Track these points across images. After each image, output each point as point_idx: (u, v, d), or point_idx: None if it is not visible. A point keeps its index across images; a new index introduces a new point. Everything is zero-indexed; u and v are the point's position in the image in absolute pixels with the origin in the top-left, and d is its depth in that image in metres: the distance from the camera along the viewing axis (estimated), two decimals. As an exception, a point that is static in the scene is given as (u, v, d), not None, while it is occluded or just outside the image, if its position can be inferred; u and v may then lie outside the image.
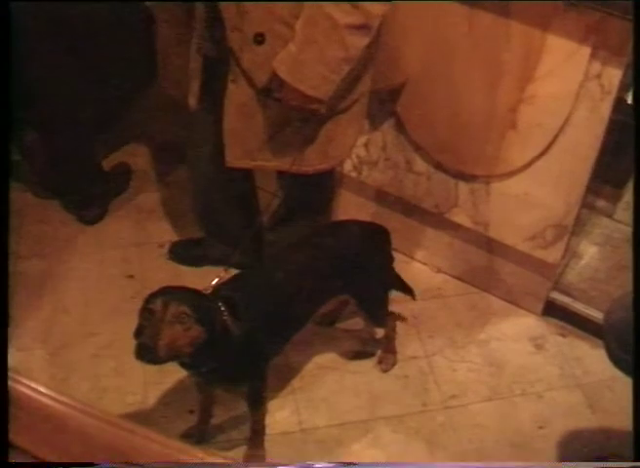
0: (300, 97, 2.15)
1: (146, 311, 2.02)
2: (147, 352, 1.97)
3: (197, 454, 0.75)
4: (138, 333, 2.07)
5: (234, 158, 2.38)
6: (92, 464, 0.74)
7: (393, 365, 2.83)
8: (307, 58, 2.08)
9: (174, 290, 2.12)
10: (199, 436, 2.59)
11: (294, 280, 2.40)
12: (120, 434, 0.75)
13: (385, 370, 2.81)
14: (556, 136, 2.56)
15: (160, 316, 1.98)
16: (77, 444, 0.75)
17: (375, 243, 2.61)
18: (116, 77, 3.06)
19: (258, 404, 2.47)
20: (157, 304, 2.00)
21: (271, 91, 2.20)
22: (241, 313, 2.18)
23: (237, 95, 2.26)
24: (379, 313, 2.72)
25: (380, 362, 2.83)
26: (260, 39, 2.13)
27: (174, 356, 2.05)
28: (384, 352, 2.84)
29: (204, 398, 2.57)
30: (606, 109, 2.45)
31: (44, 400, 0.76)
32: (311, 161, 2.38)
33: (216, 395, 2.57)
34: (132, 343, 2.80)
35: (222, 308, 2.15)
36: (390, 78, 2.61)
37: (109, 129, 3.32)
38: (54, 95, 2.93)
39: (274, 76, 2.16)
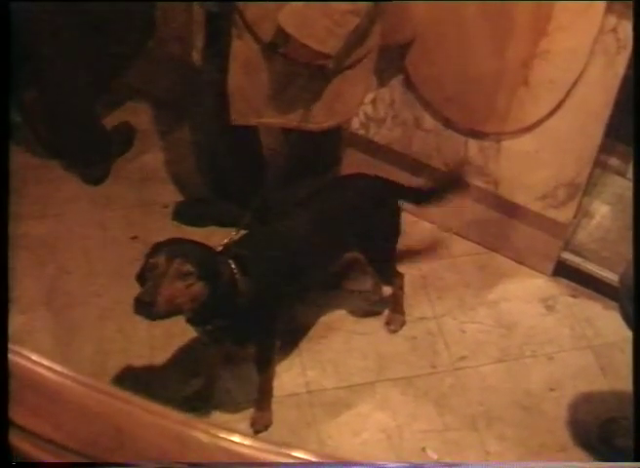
0: (307, 51, 2.09)
1: (149, 263, 1.99)
2: (146, 307, 1.95)
3: (197, 425, 0.71)
4: (139, 280, 2.06)
5: (239, 115, 2.33)
6: (92, 464, 0.72)
7: (402, 325, 2.79)
8: (313, 11, 2.02)
9: (181, 243, 2.09)
10: (205, 398, 2.57)
11: (304, 237, 2.37)
12: (115, 404, 0.71)
13: (394, 331, 2.78)
14: (569, 93, 2.51)
15: (162, 271, 1.96)
16: (69, 414, 0.71)
17: (382, 197, 2.56)
18: (114, 33, 2.99)
19: (266, 365, 2.45)
20: (161, 258, 1.97)
21: (277, 46, 2.14)
22: (251, 271, 2.14)
23: (242, 50, 2.20)
24: (388, 269, 2.70)
25: (388, 323, 2.80)
26: None
27: (173, 312, 2.02)
28: (393, 312, 2.81)
29: (210, 358, 2.54)
30: (621, 64, 2.39)
31: (34, 368, 0.72)
32: (318, 118, 2.33)
33: (222, 356, 2.55)
34: (136, 305, 2.82)
35: (232, 265, 2.11)
36: (399, 34, 2.54)
37: (108, 86, 3.25)
38: (52, 52, 2.87)
39: (280, 31, 2.09)
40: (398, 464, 1.73)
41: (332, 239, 2.42)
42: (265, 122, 2.37)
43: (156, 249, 2.02)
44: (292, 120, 2.32)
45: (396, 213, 2.61)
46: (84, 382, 0.72)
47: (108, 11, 2.91)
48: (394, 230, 2.63)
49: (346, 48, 2.15)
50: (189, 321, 2.20)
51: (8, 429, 0.72)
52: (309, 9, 2.03)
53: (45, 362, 0.74)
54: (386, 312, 2.83)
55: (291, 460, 0.75)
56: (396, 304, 2.80)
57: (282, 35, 2.10)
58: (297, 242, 2.36)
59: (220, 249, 2.17)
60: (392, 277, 2.73)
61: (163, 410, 0.72)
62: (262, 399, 2.52)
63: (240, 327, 2.23)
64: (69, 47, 2.88)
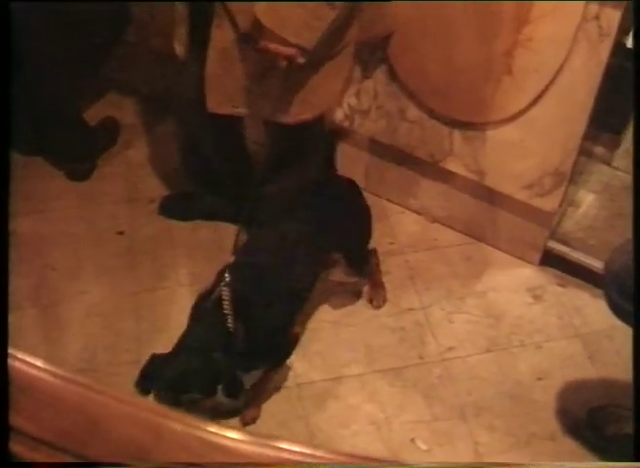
0: (283, 44, 2.07)
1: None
2: None
3: (172, 415, 0.70)
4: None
5: (215, 104, 2.31)
6: (92, 464, 0.71)
7: (385, 300, 2.80)
8: (291, 4, 2.01)
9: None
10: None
11: (295, 243, 2.40)
12: (89, 395, 0.70)
13: (378, 307, 2.78)
14: (552, 81, 2.50)
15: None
16: (42, 405, 0.70)
17: (357, 197, 2.65)
18: (86, 24, 2.96)
19: (278, 367, 2.49)
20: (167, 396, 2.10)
21: (251, 38, 2.13)
22: (248, 309, 2.23)
23: (220, 39, 2.18)
24: (365, 267, 2.73)
25: (370, 300, 2.80)
26: None
27: None
28: (373, 287, 2.81)
29: None
30: (604, 52, 2.38)
31: (8, 360, 0.71)
32: (292, 111, 2.31)
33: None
34: (123, 300, 2.82)
35: (226, 310, 2.19)
36: (378, 27, 2.52)
37: (87, 78, 3.22)
38: (30, 46, 2.84)
39: (256, 23, 2.08)
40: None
41: (319, 244, 2.45)
42: (240, 112, 2.35)
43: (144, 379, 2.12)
44: (266, 112, 2.31)
45: (368, 212, 2.69)
46: (57, 374, 0.71)
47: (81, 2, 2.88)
48: (369, 230, 2.69)
49: (323, 41, 2.13)
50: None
51: (8, 430, 0.72)
52: (287, 1, 2.02)
53: (18, 354, 0.73)
54: (366, 289, 2.84)
55: (276, 452, 0.74)
56: (375, 279, 2.80)
57: (258, 27, 2.08)
58: (289, 249, 2.39)
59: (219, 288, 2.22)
60: (368, 271, 2.76)
61: (137, 401, 0.72)
62: (256, 396, 2.51)
63: (253, 358, 2.29)
64: (47, 41, 2.86)
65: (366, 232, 2.67)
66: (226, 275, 2.22)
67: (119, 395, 0.69)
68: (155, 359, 2.18)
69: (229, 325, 2.17)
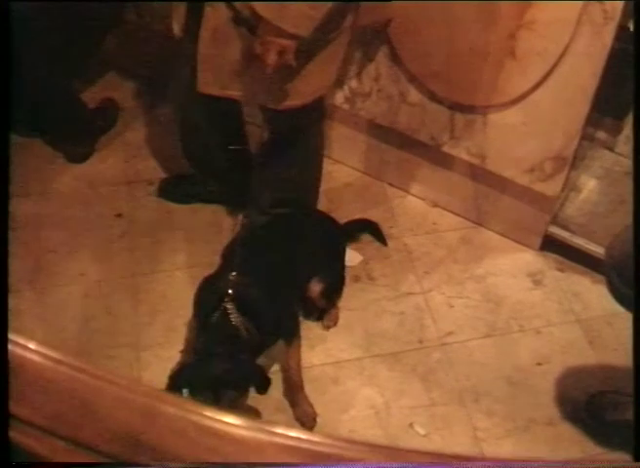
0: (280, 34, 2.03)
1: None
2: None
3: (166, 399, 0.69)
4: None
5: (205, 84, 2.28)
6: (92, 464, 0.71)
7: (336, 321, 2.74)
8: None
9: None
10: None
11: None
12: (81, 378, 0.69)
13: (328, 327, 2.73)
14: (556, 65, 2.47)
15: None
16: (33, 388, 0.69)
17: (336, 228, 2.75)
18: (85, 5, 2.93)
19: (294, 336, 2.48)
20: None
21: (244, 21, 2.10)
22: (253, 305, 2.27)
23: (213, 19, 2.14)
24: (339, 295, 2.74)
25: (320, 318, 2.74)
26: None
27: None
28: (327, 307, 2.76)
29: None
30: (608, 36, 2.36)
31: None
32: (282, 97, 2.28)
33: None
34: (121, 283, 2.80)
35: (229, 307, 2.22)
36: (376, 14, 2.49)
37: (85, 60, 3.19)
38: (25, 27, 2.81)
39: (252, 11, 2.04)
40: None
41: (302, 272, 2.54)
42: (230, 94, 2.31)
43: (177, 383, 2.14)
44: (258, 96, 2.28)
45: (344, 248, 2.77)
46: (48, 355, 0.70)
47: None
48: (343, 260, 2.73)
49: (318, 28, 2.10)
50: None
51: (8, 428, 0.71)
52: None
53: (10, 336, 0.71)
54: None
55: (270, 437, 0.73)
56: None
57: (254, 17, 2.05)
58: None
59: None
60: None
61: (131, 384, 0.70)
62: (294, 383, 2.52)
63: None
64: (44, 22, 2.82)
65: (342, 261, 2.73)
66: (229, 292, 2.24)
67: (112, 378, 0.68)
68: (184, 366, 2.32)
69: (240, 327, 2.21)
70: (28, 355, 0.70)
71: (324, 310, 2.72)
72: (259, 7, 2.00)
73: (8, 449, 0.72)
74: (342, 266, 2.72)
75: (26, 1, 2.56)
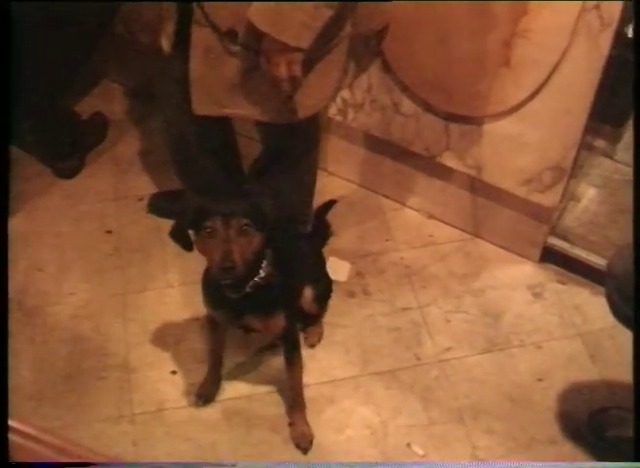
0: (282, 48, 1.99)
1: (207, 230, 1.99)
2: (231, 272, 1.98)
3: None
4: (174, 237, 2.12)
5: (200, 105, 2.23)
6: (92, 464, 0.71)
7: (320, 339, 2.69)
8: (286, 6, 1.92)
9: (226, 202, 2.07)
10: (208, 392, 2.54)
11: None
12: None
13: (312, 346, 2.67)
14: (552, 73, 2.42)
15: (225, 233, 1.98)
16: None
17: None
18: (74, 16, 2.87)
19: (295, 354, 2.42)
20: (217, 222, 1.98)
21: (236, 36, 2.04)
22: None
23: (202, 38, 2.10)
24: (329, 298, 2.70)
25: (305, 337, 2.67)
26: None
27: (246, 268, 2.04)
28: (312, 326, 2.70)
29: (216, 341, 2.49)
30: (605, 43, 2.31)
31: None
32: (285, 111, 2.22)
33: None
34: (111, 302, 2.75)
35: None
36: (373, 21, 2.43)
37: (75, 72, 3.13)
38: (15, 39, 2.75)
39: (250, 27, 1.99)
40: None
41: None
42: (228, 112, 2.27)
43: (203, 214, 2.00)
44: (254, 112, 2.23)
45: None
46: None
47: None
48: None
49: (318, 39, 2.05)
50: (229, 287, 2.13)
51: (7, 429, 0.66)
52: (282, 4, 1.92)
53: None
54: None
55: None
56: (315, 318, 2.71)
57: (252, 32, 2.00)
58: None
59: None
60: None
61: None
62: (296, 403, 2.47)
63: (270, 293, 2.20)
64: (34, 34, 2.77)
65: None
66: None
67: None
68: None
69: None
70: None
71: (309, 323, 2.67)
72: (258, 22, 1.95)
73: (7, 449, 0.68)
74: (325, 268, 2.69)
75: (26, 1, 2.51)
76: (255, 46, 2.04)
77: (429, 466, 2.22)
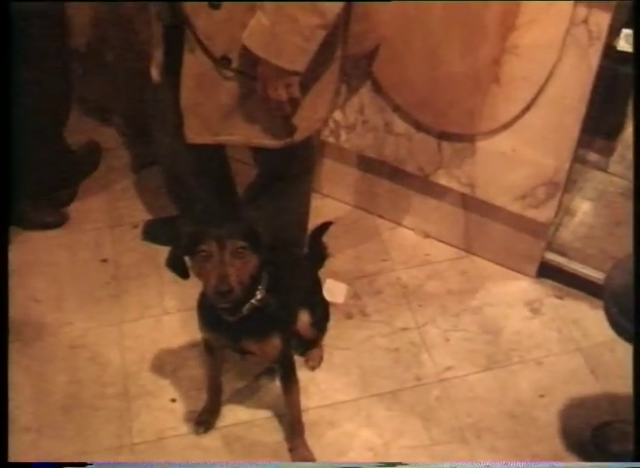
0: (278, 72, 1.99)
1: (203, 254, 1.97)
2: (226, 296, 1.96)
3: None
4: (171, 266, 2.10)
5: (194, 133, 2.23)
6: (91, 464, 0.64)
7: (320, 361, 2.67)
8: (281, 29, 1.92)
9: (221, 225, 2.05)
10: (208, 420, 2.52)
11: None
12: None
13: (313, 368, 2.65)
14: (542, 89, 2.42)
15: (220, 256, 1.96)
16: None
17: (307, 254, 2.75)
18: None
19: (291, 374, 2.37)
20: (212, 245, 1.96)
21: (230, 61, 2.04)
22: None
23: (194, 65, 2.10)
24: (327, 321, 2.68)
25: (306, 360, 2.66)
26: (215, 3, 1.97)
27: (242, 291, 2.02)
28: (312, 347, 2.69)
29: (213, 366, 2.46)
30: (594, 57, 2.31)
31: None
32: (277, 134, 2.22)
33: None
34: (108, 331, 2.73)
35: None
36: (364, 42, 2.44)
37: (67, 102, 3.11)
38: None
39: (244, 51, 1.99)
40: None
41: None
42: (222, 140, 2.26)
43: (198, 239, 1.99)
44: (250, 137, 2.22)
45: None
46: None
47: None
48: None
49: (310, 63, 2.05)
50: (226, 310, 2.11)
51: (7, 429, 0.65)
52: (277, 27, 1.93)
53: None
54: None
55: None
56: (316, 341, 2.69)
57: (247, 56, 2.00)
58: None
59: None
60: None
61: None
62: (296, 428, 2.44)
63: (266, 316, 2.18)
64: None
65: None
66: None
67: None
68: None
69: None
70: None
71: (308, 347, 2.66)
72: (253, 47, 1.96)
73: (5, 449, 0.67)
74: (322, 292, 2.68)
75: (27, 1, 2.51)
76: (250, 71, 2.05)
77: (429, 466, 2.21)
